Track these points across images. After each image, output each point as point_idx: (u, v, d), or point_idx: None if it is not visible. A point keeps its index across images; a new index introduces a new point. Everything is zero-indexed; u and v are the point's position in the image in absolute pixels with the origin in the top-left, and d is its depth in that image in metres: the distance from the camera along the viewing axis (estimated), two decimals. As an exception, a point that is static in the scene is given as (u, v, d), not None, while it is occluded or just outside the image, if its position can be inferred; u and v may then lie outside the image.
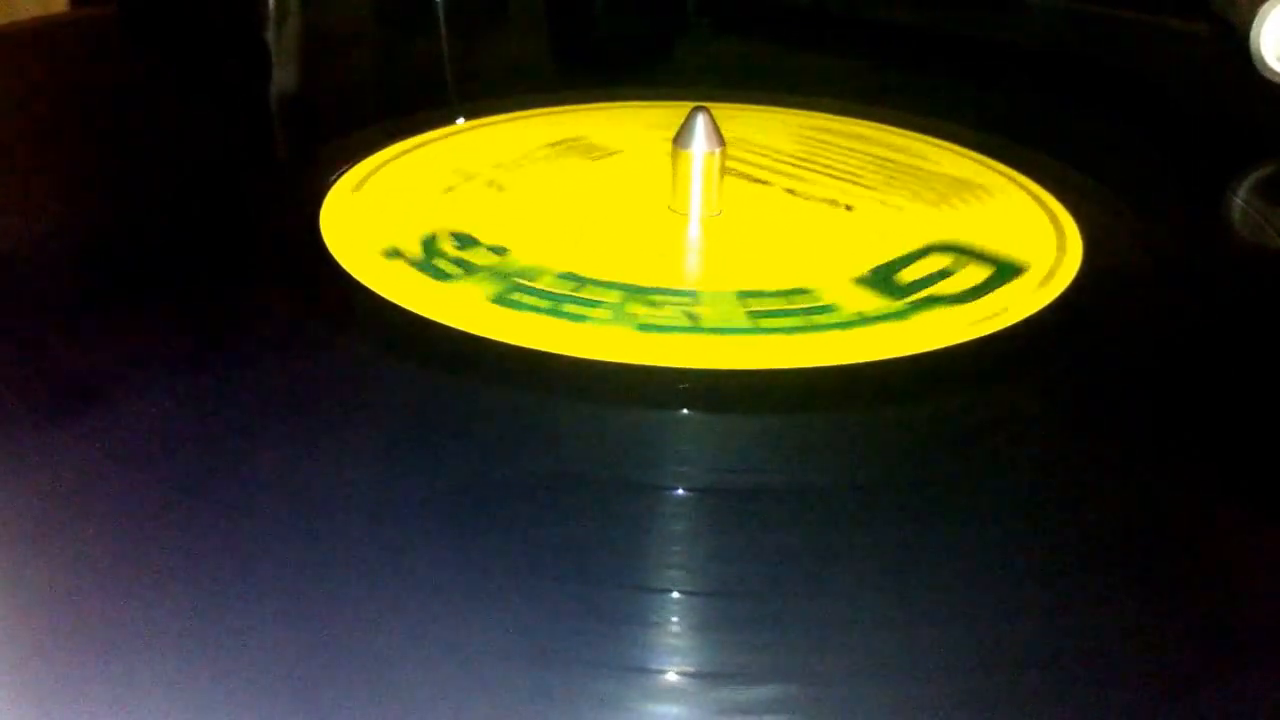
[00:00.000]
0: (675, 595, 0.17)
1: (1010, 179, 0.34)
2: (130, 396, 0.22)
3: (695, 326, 0.25)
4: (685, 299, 0.26)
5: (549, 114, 0.39)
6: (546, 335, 0.24)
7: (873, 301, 0.26)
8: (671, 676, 0.16)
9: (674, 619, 0.17)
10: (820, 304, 0.26)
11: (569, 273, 0.27)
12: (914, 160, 0.35)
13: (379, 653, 0.16)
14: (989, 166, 0.35)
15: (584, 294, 0.26)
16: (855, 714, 0.15)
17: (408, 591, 0.17)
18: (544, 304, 0.26)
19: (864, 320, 0.25)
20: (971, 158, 0.36)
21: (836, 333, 0.25)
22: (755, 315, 0.25)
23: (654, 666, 0.16)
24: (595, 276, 0.27)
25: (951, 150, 0.36)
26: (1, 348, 0.24)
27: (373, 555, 0.18)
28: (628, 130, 0.37)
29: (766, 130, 0.38)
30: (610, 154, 0.35)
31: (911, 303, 0.26)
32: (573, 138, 0.36)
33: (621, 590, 0.17)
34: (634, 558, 0.18)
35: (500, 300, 0.26)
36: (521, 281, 0.27)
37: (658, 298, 0.26)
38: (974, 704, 0.15)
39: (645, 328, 0.25)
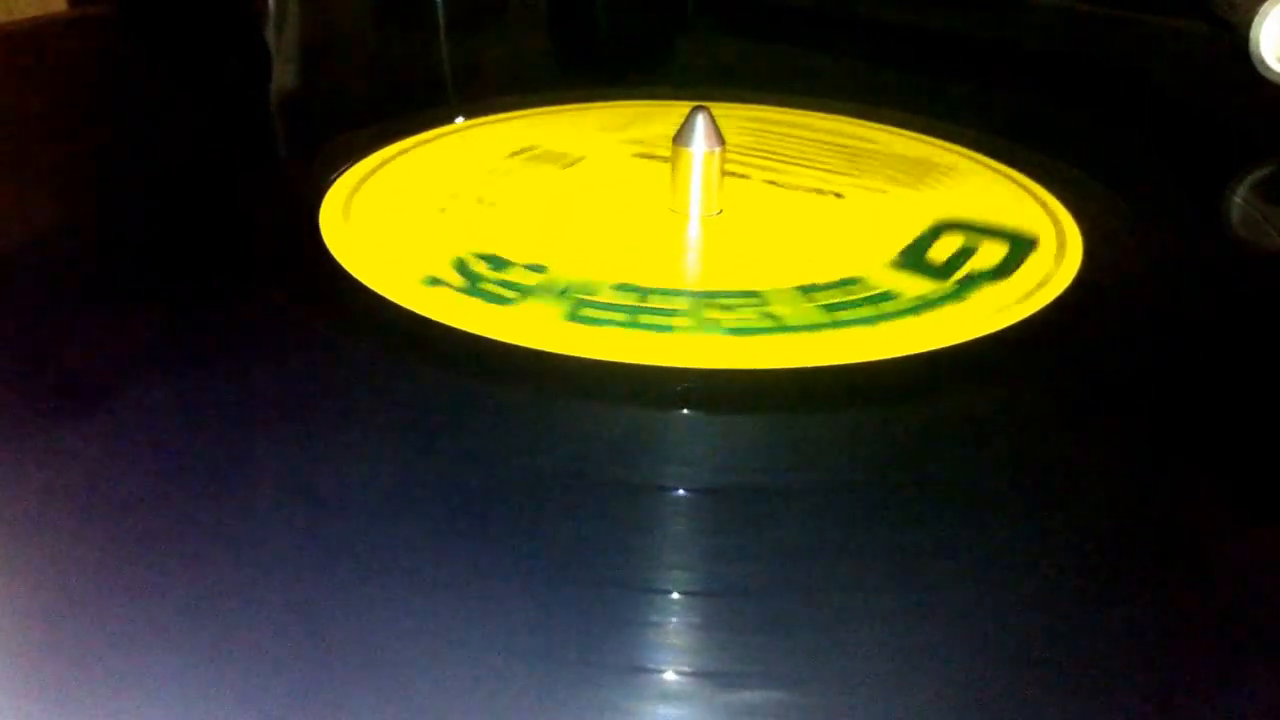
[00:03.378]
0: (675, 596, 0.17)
1: (1009, 178, 0.34)
2: (128, 396, 0.22)
3: (780, 326, 0.25)
4: (753, 299, 0.26)
5: (509, 119, 0.39)
6: (627, 347, 0.24)
7: (923, 285, 0.27)
8: (671, 676, 0.16)
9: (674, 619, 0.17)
10: (879, 291, 0.26)
11: (624, 283, 0.27)
12: (878, 147, 0.36)
13: (379, 652, 0.16)
14: (982, 163, 0.35)
15: (653, 303, 0.26)
16: (856, 714, 0.15)
17: (408, 592, 0.17)
18: (620, 316, 0.25)
19: (928, 304, 0.26)
20: (966, 155, 0.36)
21: (909, 319, 0.25)
22: (828, 309, 0.25)
23: (655, 667, 0.16)
24: (655, 285, 0.27)
25: (946, 148, 0.36)
26: (1, 348, 0.24)
27: (373, 556, 0.18)
28: (582, 135, 0.37)
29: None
30: (575, 161, 0.35)
31: (958, 282, 0.27)
32: (528, 146, 0.36)
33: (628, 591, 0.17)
34: (651, 557, 0.18)
35: (574, 318, 0.25)
36: (585, 297, 0.26)
37: (726, 300, 0.26)
38: (975, 705, 0.15)
39: (733, 331, 0.24)
